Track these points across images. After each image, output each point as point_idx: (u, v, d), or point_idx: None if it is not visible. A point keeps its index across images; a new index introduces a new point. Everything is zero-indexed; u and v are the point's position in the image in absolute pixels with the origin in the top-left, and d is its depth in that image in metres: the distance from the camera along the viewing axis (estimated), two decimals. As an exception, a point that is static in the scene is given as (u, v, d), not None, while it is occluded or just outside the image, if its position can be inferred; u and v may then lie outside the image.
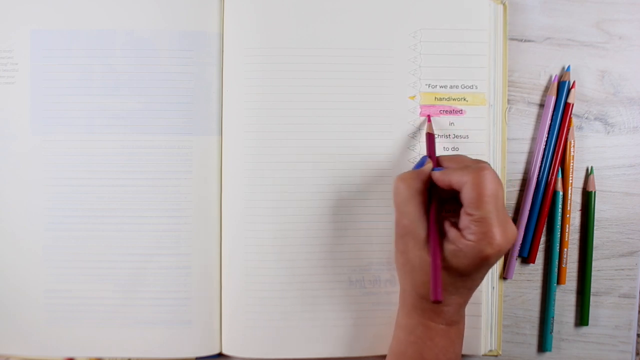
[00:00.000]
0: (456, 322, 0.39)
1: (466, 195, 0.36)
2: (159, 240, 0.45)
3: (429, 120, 0.45)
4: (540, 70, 0.47)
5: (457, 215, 0.38)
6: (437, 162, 0.41)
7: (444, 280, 0.36)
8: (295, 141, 0.45)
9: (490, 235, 0.35)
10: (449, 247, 0.37)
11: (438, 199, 0.39)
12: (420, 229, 0.38)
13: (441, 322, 0.39)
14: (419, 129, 0.45)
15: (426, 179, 0.39)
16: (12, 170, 0.45)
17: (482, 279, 0.39)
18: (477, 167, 0.36)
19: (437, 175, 0.39)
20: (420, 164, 0.41)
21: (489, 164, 0.37)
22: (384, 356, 0.45)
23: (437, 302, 0.35)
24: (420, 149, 0.45)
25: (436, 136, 0.45)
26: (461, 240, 0.36)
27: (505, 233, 0.35)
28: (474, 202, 0.35)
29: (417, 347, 0.39)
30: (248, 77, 0.45)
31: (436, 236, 0.37)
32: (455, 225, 0.38)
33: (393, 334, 0.41)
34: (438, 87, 0.45)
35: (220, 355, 0.45)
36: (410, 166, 0.45)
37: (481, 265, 0.36)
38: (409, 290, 0.39)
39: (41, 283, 0.45)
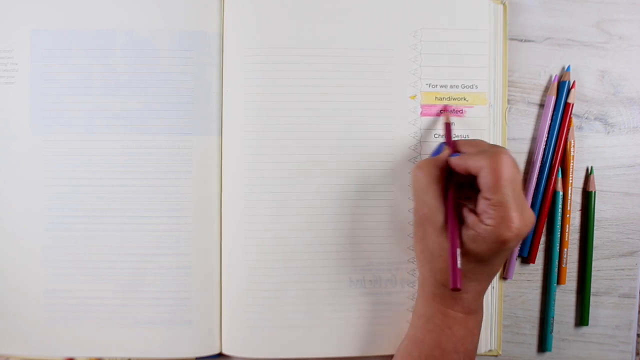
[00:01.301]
0: (474, 311, 0.39)
1: (483, 180, 0.36)
2: (159, 240, 0.45)
3: (446, 111, 0.45)
4: (540, 70, 0.47)
5: (474, 201, 0.38)
6: (455, 148, 0.41)
7: (463, 266, 0.37)
8: (296, 141, 0.45)
9: (509, 219, 0.35)
10: (467, 232, 0.37)
11: (455, 185, 0.39)
12: (438, 215, 0.38)
13: (460, 310, 0.39)
14: (436, 120, 0.45)
15: (443, 166, 0.39)
16: (12, 170, 0.45)
17: (500, 265, 0.39)
18: (494, 151, 0.36)
19: (454, 161, 0.39)
20: (437, 151, 0.41)
21: (506, 149, 0.37)
22: (384, 356, 0.45)
23: (456, 289, 0.35)
24: (422, 148, 0.45)
25: (436, 136, 0.45)
26: (479, 225, 0.36)
27: (523, 217, 0.35)
28: (491, 186, 0.35)
29: (435, 335, 0.39)
30: (248, 77, 0.45)
31: (454, 223, 0.37)
32: (473, 211, 0.38)
33: (410, 322, 0.42)
34: (438, 86, 0.45)
35: (220, 355, 0.45)
36: (410, 166, 0.45)
37: (500, 249, 0.36)
38: (428, 278, 0.39)
39: (41, 283, 0.45)
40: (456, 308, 0.39)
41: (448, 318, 0.39)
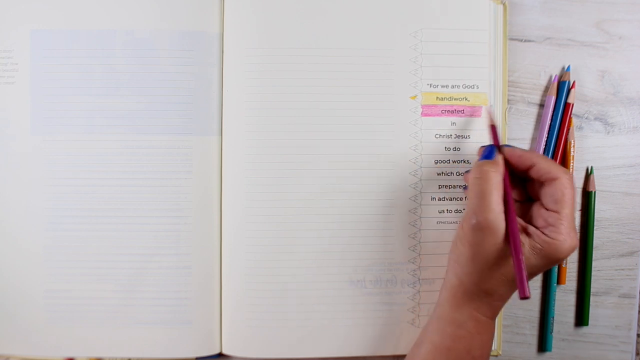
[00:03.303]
0: (495, 316, 0.40)
1: (559, 191, 0.36)
2: (159, 240, 0.45)
3: (490, 113, 0.44)
4: (540, 70, 0.47)
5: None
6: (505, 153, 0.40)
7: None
8: (296, 141, 0.45)
9: (572, 235, 0.36)
10: (528, 243, 0.37)
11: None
12: (501, 222, 0.37)
13: (489, 316, 0.39)
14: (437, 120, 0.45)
15: (503, 172, 0.39)
16: (12, 170, 0.45)
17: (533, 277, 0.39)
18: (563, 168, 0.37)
19: (517, 155, 0.39)
20: (487, 155, 0.40)
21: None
22: (385, 356, 0.45)
23: (525, 298, 0.34)
24: (422, 149, 0.45)
25: (437, 136, 0.45)
26: (541, 236, 0.36)
27: (576, 238, 0.36)
28: (565, 199, 0.36)
29: (466, 342, 0.38)
30: (248, 77, 0.45)
31: (518, 231, 0.37)
32: (530, 221, 0.38)
33: (433, 328, 0.40)
34: (439, 87, 0.45)
35: (220, 355, 0.45)
36: (411, 167, 0.45)
37: (551, 263, 0.37)
38: (468, 284, 0.38)
39: (41, 283, 0.45)
40: (488, 314, 0.39)
41: (479, 324, 0.38)
